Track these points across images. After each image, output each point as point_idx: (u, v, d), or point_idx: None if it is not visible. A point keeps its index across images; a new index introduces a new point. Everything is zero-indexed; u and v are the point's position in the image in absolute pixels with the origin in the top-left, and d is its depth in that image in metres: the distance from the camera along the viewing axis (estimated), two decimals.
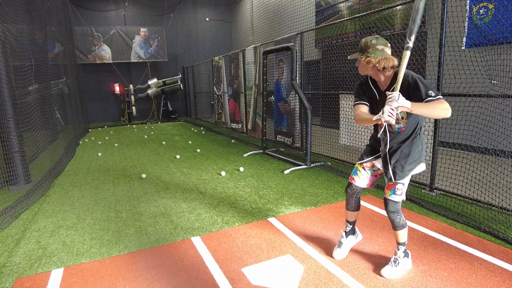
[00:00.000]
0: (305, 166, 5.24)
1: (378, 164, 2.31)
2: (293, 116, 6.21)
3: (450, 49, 3.87)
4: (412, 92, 1.94)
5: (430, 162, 3.83)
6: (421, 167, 2.21)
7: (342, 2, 8.05)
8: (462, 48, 4.92)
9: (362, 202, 3.68)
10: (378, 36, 2.06)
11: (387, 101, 1.84)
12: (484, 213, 3.19)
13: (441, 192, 3.81)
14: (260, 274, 2.36)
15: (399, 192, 2.21)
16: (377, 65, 2.01)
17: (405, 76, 1.94)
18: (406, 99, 1.85)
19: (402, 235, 2.30)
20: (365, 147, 2.48)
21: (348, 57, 2.16)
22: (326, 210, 3.53)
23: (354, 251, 2.64)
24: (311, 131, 5.30)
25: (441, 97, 1.87)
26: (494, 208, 3.25)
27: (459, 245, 2.67)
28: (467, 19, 4.80)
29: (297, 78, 5.73)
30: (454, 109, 3.69)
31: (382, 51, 2.00)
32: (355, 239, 2.64)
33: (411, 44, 1.90)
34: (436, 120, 3.72)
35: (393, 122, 1.83)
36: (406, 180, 2.20)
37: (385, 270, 2.29)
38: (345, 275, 2.32)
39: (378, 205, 3.57)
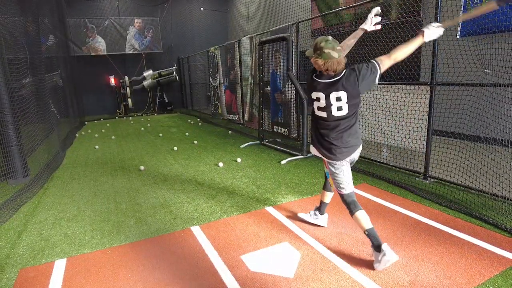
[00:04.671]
0: (302, 156, 5.30)
1: None
2: (289, 106, 6.24)
3: (444, 38, 3.90)
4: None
5: (424, 150, 3.91)
6: None
7: None
8: (457, 37, 4.94)
9: (356, 190, 3.76)
10: (329, 38, 2.21)
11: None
12: (475, 199, 3.29)
13: (435, 180, 3.89)
14: (259, 261, 2.44)
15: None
16: (322, 66, 2.24)
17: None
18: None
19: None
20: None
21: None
22: None
23: (349, 238, 2.73)
24: (307, 121, 5.35)
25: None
26: (484, 194, 3.35)
27: (451, 231, 2.76)
28: (461, 8, 4.82)
29: (293, 69, 5.74)
30: (448, 98, 3.77)
31: (328, 55, 2.18)
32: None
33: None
34: (430, 109, 3.77)
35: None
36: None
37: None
38: (340, 261, 2.40)
39: (372, 193, 3.66)
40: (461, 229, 2.78)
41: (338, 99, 2.26)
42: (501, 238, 2.61)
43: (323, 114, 2.36)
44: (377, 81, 2.24)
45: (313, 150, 2.56)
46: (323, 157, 2.49)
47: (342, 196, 2.46)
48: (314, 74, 2.37)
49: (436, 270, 2.24)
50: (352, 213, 2.38)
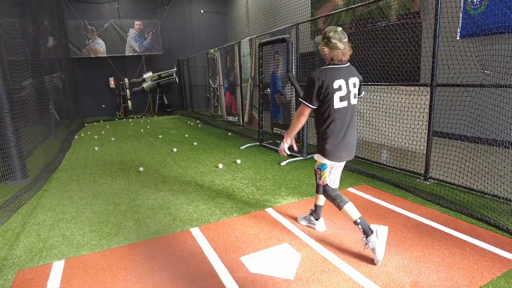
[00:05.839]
0: (302, 158, 5.28)
1: None
2: (289, 108, 6.23)
3: (445, 39, 3.89)
4: None
5: (425, 152, 3.89)
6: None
7: None
8: (457, 38, 4.93)
9: (357, 192, 3.75)
10: (338, 29, 2.29)
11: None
12: (477, 200, 3.27)
13: (435, 181, 3.88)
14: (258, 262, 2.41)
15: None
16: (327, 55, 2.33)
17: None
18: None
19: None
20: None
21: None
22: None
23: (349, 239, 2.71)
24: (307, 123, 5.33)
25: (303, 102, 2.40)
26: (486, 195, 3.33)
27: (452, 232, 2.74)
28: (461, 10, 4.81)
29: (293, 70, 5.73)
30: (448, 99, 3.76)
31: (334, 45, 2.27)
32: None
33: None
34: (430, 111, 3.76)
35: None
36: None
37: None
38: (341, 263, 2.38)
39: (373, 195, 3.64)
40: (462, 230, 2.76)
41: (354, 85, 2.38)
42: (503, 239, 2.59)
43: (345, 104, 2.35)
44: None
45: (320, 157, 2.52)
46: (334, 161, 2.48)
47: (328, 189, 2.54)
48: (330, 64, 2.38)
49: (438, 272, 2.22)
50: (340, 207, 2.44)
